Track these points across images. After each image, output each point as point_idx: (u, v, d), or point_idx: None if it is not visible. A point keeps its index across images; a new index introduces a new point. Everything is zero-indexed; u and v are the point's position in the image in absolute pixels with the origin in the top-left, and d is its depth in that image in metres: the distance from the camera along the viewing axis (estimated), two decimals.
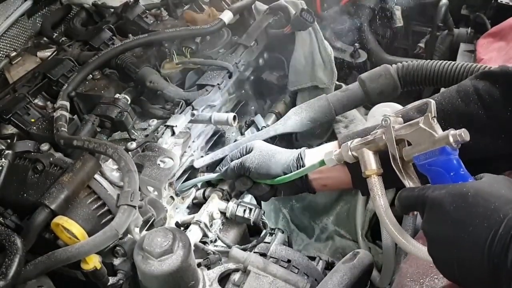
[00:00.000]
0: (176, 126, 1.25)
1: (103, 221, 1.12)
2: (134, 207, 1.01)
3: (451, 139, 0.80)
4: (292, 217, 1.81)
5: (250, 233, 1.53)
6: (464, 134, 0.81)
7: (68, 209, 1.06)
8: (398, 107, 1.75)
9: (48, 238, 1.07)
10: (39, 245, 1.05)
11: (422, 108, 0.97)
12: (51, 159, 1.16)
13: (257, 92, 1.84)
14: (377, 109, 1.78)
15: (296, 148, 1.85)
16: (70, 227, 1.01)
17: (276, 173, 1.23)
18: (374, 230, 1.65)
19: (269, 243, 1.36)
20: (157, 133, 1.26)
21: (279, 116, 1.71)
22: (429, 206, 0.79)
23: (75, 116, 1.31)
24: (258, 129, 1.62)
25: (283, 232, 1.42)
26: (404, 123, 0.92)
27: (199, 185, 1.52)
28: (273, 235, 1.40)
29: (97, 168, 1.13)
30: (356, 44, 2.08)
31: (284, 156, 1.24)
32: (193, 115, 1.31)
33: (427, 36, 2.27)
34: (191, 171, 1.52)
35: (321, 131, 1.79)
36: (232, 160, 1.34)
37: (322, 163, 1.11)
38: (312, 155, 1.23)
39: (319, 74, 1.64)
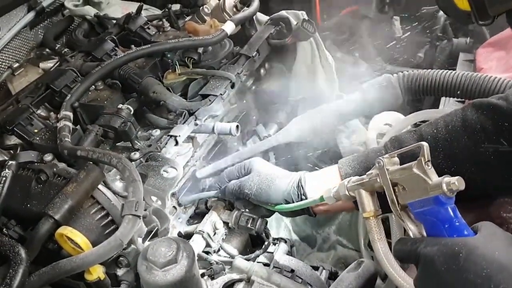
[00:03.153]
0: (179, 136, 1.26)
1: (107, 231, 1.11)
2: (139, 217, 1.01)
3: (444, 188, 0.77)
4: (294, 227, 1.80)
5: (253, 243, 1.53)
6: (458, 182, 0.76)
7: (72, 219, 1.06)
8: (399, 116, 1.76)
9: (52, 248, 1.07)
10: (43, 255, 1.04)
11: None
12: (54, 169, 1.16)
13: (259, 102, 1.85)
14: (378, 118, 1.79)
15: (296, 162, 1.88)
16: (74, 237, 1.01)
17: (276, 201, 1.21)
18: None
19: (272, 253, 1.36)
20: (160, 143, 1.26)
21: (281, 126, 1.71)
22: (421, 263, 0.78)
23: (78, 127, 1.31)
24: (260, 139, 1.63)
25: (286, 242, 1.42)
26: (400, 164, 0.89)
27: None
28: (276, 245, 1.39)
29: (101, 178, 1.13)
30: (356, 54, 2.09)
31: (283, 182, 1.20)
32: (196, 124, 1.31)
33: (426, 46, 2.29)
34: (193, 181, 1.52)
35: (324, 140, 1.79)
36: (228, 177, 1.33)
37: (322, 199, 1.09)
38: (312, 183, 1.20)
39: (320, 84, 1.65)
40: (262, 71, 1.74)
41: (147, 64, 1.51)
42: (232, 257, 1.36)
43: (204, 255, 1.29)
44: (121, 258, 1.13)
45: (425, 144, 0.82)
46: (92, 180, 1.10)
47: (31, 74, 1.63)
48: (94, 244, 1.05)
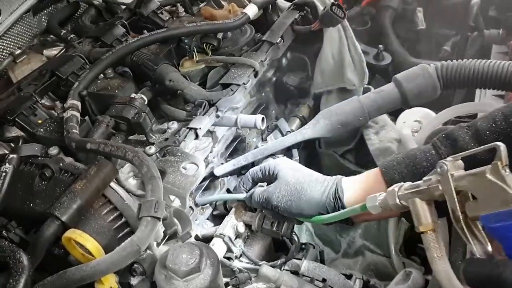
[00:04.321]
0: (200, 128, 1.13)
1: (120, 235, 0.99)
2: (159, 219, 0.88)
3: None
4: (316, 230, 1.67)
5: (275, 247, 1.40)
6: None
7: (81, 221, 0.93)
8: (429, 112, 1.64)
9: (58, 254, 0.95)
10: (48, 262, 0.92)
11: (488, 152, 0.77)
12: (60, 164, 1.03)
13: (278, 95, 1.72)
14: (406, 114, 1.66)
15: (319, 156, 1.76)
16: (84, 242, 0.88)
17: (310, 213, 1.09)
18: (407, 243, 1.51)
19: (300, 259, 1.23)
20: (179, 136, 1.12)
21: (303, 120, 1.58)
22: None
23: (87, 118, 1.17)
24: (282, 134, 1.50)
25: (314, 247, 1.29)
26: (465, 168, 0.76)
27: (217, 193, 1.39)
28: (304, 251, 1.27)
29: (114, 175, 1.00)
30: (380, 46, 1.96)
31: (316, 192, 1.08)
32: (217, 116, 1.18)
33: (453, 38, 2.16)
34: (210, 179, 1.39)
35: (348, 136, 1.66)
36: (252, 179, 1.22)
37: (364, 208, 0.96)
38: (351, 191, 1.07)
39: (348, 75, 1.52)
40: (283, 60, 1.61)
41: (161, 51, 1.38)
42: (256, 263, 1.23)
43: (226, 261, 1.16)
44: (135, 266, 1.00)
45: (501, 145, 0.70)
46: (103, 176, 0.97)
47: (34, 62, 1.50)
48: (106, 249, 0.92)
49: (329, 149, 1.70)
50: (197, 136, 1.14)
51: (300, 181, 1.10)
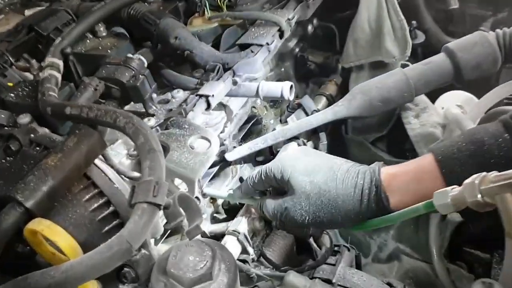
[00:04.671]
0: (212, 96, 0.88)
1: (107, 228, 0.76)
2: (158, 206, 0.64)
3: None
4: (342, 231, 1.43)
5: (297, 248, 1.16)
6: None
7: (53, 209, 0.69)
8: (470, 96, 1.40)
9: (23, 252, 0.71)
10: (8, 262, 0.69)
11: None
12: (31, 135, 0.80)
13: (299, 72, 1.48)
14: (445, 100, 1.42)
15: (346, 144, 1.52)
16: (54, 236, 0.64)
17: (345, 225, 0.90)
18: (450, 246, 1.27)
19: (333, 264, 0.98)
20: (186, 105, 0.88)
21: (330, 99, 1.35)
22: None
23: (72, 84, 0.93)
24: (306, 114, 1.26)
25: (349, 250, 1.05)
26: None
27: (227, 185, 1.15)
28: (338, 254, 1.02)
29: (101, 149, 0.76)
30: (413, 22, 1.71)
31: (351, 201, 0.85)
32: (235, 83, 0.94)
33: (492, 19, 1.92)
34: (221, 165, 1.15)
35: (381, 121, 1.42)
36: (253, 187, 0.98)
37: (428, 207, 0.74)
38: (395, 189, 0.84)
39: (387, 45, 1.28)
40: (309, 27, 1.37)
41: (165, 8, 1.14)
42: (278, 268, 0.99)
43: (242, 265, 0.92)
44: (125, 270, 0.77)
45: None
46: (86, 150, 0.73)
47: (14, 23, 1.25)
48: (86, 247, 0.68)
49: (358, 135, 1.46)
50: (208, 106, 0.89)
51: (323, 191, 0.87)
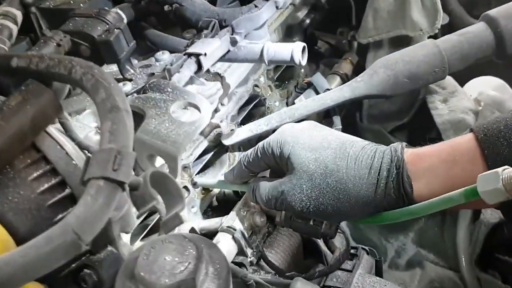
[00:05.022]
0: (205, 54, 0.70)
1: (60, 216, 0.58)
2: (121, 184, 0.46)
3: None
4: (354, 232, 1.25)
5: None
6: None
7: None
8: (503, 84, 1.22)
9: None
10: None
11: None
12: None
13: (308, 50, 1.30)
14: (473, 86, 1.24)
15: (361, 134, 1.34)
16: None
17: (356, 216, 0.71)
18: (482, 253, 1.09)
19: (350, 271, 0.80)
20: (171, 65, 0.70)
21: (345, 79, 1.17)
22: None
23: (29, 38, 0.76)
24: (317, 93, 1.08)
25: (368, 253, 0.87)
26: None
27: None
28: (355, 258, 0.84)
29: (55, 111, 0.58)
30: None
31: (363, 185, 0.67)
32: (234, 42, 0.76)
33: None
34: (216, 151, 0.98)
35: (402, 107, 1.25)
36: (248, 168, 0.80)
37: (469, 194, 0.57)
38: (421, 174, 0.66)
39: (413, 15, 1.10)
40: None
41: None
42: (281, 275, 0.81)
43: (239, 269, 0.74)
44: (85, 272, 0.59)
45: None
46: (34, 112, 0.55)
47: None
48: (29, 238, 0.50)
49: (375, 123, 1.28)
50: (199, 68, 0.71)
51: (330, 171, 0.69)
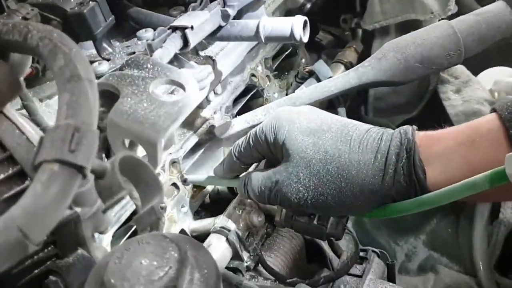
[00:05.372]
0: (191, 27, 0.61)
1: None
2: (80, 169, 0.36)
3: None
4: (360, 234, 1.15)
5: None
6: None
7: None
8: None
9: None
10: None
11: None
12: None
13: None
14: (487, 75, 1.15)
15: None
16: None
17: (362, 210, 0.62)
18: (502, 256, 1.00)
19: (359, 276, 0.71)
20: (153, 40, 0.61)
21: (350, 67, 1.08)
22: None
23: None
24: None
25: (379, 255, 0.78)
26: None
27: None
28: (364, 261, 0.75)
29: (12, 89, 0.49)
30: None
31: (369, 172, 0.59)
32: (226, 16, 0.67)
33: None
34: (209, 145, 0.89)
35: (411, 99, 1.16)
36: (239, 159, 0.70)
37: (498, 178, 0.48)
38: (434, 159, 0.58)
39: None
40: None
41: None
42: (281, 280, 0.72)
43: (234, 276, 0.64)
44: (50, 278, 0.51)
45: None
46: None
47: None
48: None
49: (381, 117, 1.19)
50: (186, 44, 0.62)
51: (331, 156, 0.60)
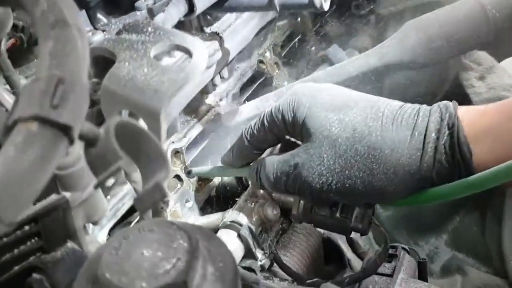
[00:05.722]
0: None
1: None
2: (65, 130, 0.28)
3: None
4: (377, 233, 1.07)
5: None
6: None
7: None
8: None
9: None
10: None
11: None
12: None
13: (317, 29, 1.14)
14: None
15: None
16: None
17: (393, 196, 0.53)
18: None
19: (389, 275, 0.63)
20: (154, 4, 0.54)
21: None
22: None
23: None
24: None
25: (409, 252, 0.70)
26: None
27: None
28: (394, 259, 0.67)
29: None
30: None
31: (404, 151, 0.51)
32: None
33: None
34: (216, 133, 0.81)
35: (429, 88, 1.08)
36: (251, 143, 0.62)
37: None
38: (481, 136, 0.50)
39: None
40: None
41: None
42: (299, 281, 0.64)
43: (249, 274, 0.56)
44: (34, 276, 0.43)
45: None
46: None
47: None
48: None
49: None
50: (191, 10, 0.55)
51: (360, 134, 0.53)
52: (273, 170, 0.57)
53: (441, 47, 0.78)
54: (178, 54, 0.49)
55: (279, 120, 0.58)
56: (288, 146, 0.60)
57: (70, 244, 0.45)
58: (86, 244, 0.45)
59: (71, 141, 0.30)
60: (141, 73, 0.43)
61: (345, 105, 0.55)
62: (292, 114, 0.56)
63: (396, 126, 0.52)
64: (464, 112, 0.52)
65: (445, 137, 0.50)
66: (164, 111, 0.41)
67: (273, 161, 0.58)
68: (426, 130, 0.51)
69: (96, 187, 0.33)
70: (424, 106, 0.54)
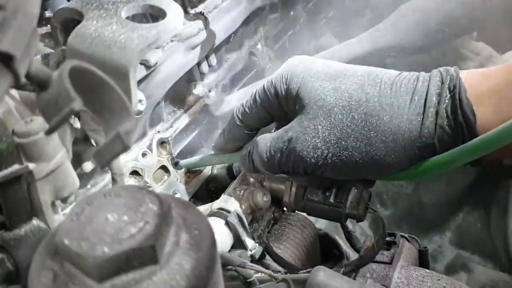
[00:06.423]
0: None
1: None
2: (6, 59, 0.25)
3: None
4: (374, 229, 1.03)
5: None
6: None
7: None
8: None
9: None
10: None
11: None
12: None
13: (311, 18, 1.11)
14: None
15: None
16: None
17: (396, 169, 0.50)
18: None
19: (388, 263, 0.59)
20: None
21: None
22: None
23: None
24: None
25: (408, 240, 0.65)
26: None
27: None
28: (393, 246, 0.62)
29: None
30: None
31: (403, 113, 0.48)
32: None
33: None
34: (205, 125, 0.78)
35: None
36: (244, 121, 0.59)
37: None
38: (484, 98, 0.47)
39: None
40: None
41: None
42: (292, 270, 0.59)
43: (236, 257, 0.52)
44: None
45: None
46: None
47: None
48: None
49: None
50: None
51: (357, 101, 0.49)
52: (266, 149, 0.54)
53: (437, 29, 0.75)
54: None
55: (271, 96, 0.54)
56: (282, 125, 0.56)
57: (35, 221, 0.41)
58: (53, 221, 0.42)
59: (15, 76, 0.26)
60: (109, 30, 0.39)
61: (341, 73, 0.51)
62: (285, 86, 0.53)
63: (395, 92, 0.48)
64: (466, 75, 0.48)
65: (446, 101, 0.46)
66: (133, 69, 0.38)
67: (266, 139, 0.54)
68: (426, 94, 0.47)
69: (47, 133, 0.29)
70: (423, 72, 0.51)
